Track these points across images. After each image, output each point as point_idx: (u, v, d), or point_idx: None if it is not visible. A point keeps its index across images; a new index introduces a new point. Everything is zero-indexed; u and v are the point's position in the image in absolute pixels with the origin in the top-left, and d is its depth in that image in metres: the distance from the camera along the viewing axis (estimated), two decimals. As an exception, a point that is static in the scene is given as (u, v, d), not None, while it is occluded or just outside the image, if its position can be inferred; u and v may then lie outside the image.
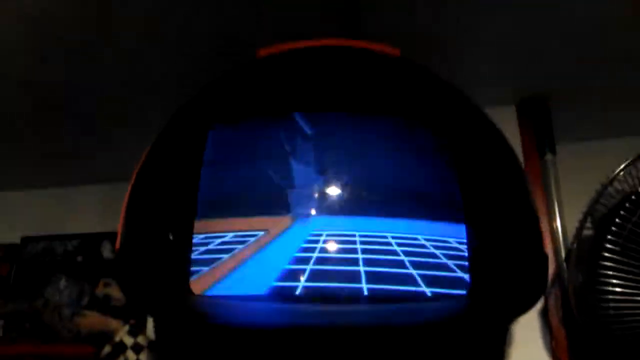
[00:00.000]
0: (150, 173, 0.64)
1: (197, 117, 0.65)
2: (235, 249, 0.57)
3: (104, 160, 1.19)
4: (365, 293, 0.52)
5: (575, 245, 0.77)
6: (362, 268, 0.53)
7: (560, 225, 0.92)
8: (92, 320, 1.04)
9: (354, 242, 0.55)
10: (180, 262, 0.56)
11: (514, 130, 0.97)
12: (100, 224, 1.18)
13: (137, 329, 1.03)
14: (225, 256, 0.56)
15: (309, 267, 0.53)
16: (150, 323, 1.07)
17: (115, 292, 1.08)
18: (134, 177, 0.65)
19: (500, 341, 0.57)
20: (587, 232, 0.76)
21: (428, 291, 0.53)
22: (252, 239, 0.57)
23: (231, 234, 0.58)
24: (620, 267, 0.70)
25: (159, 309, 0.56)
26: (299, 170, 0.60)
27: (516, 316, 0.56)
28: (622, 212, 0.71)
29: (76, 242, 1.16)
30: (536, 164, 0.96)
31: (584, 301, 0.74)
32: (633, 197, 0.71)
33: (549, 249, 0.86)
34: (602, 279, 0.70)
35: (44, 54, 0.87)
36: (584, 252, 0.75)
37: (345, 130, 0.63)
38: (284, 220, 0.58)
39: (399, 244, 0.55)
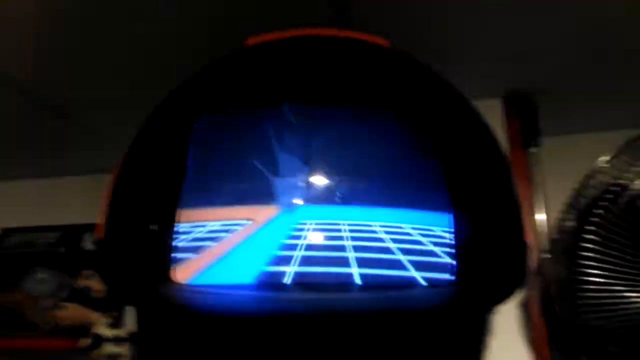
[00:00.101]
0: (135, 162, 0.63)
1: (183, 106, 0.64)
2: (220, 237, 0.56)
3: (86, 152, 1.18)
4: (356, 279, 0.52)
5: (557, 237, 0.78)
6: (350, 254, 0.53)
7: (543, 217, 0.93)
8: (71, 312, 1.02)
9: (341, 230, 0.55)
10: (163, 251, 0.55)
11: (501, 123, 0.98)
12: (82, 215, 1.17)
13: (117, 321, 1.02)
14: (210, 244, 0.56)
15: (297, 254, 0.53)
16: (130, 315, 1.07)
17: (95, 284, 1.06)
18: (118, 165, 0.64)
19: (482, 329, 0.58)
20: (569, 224, 0.77)
21: (418, 276, 0.53)
22: (237, 228, 0.57)
23: (216, 223, 0.58)
24: (600, 257, 0.71)
25: (141, 298, 0.56)
26: (285, 159, 0.60)
27: (499, 302, 0.56)
28: (603, 203, 0.72)
29: (57, 234, 1.14)
30: (522, 157, 0.97)
31: (565, 292, 0.75)
32: (614, 188, 0.72)
33: (530, 237, 0.87)
34: (582, 269, 0.71)
35: (27, 45, 0.85)
36: (566, 243, 0.76)
37: (331, 121, 0.63)
38: (270, 210, 0.58)
39: (386, 232, 0.55)
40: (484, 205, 0.60)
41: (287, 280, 0.52)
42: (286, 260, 0.53)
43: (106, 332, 0.99)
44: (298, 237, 0.54)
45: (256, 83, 0.64)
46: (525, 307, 0.87)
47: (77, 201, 1.21)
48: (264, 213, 0.58)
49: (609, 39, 0.84)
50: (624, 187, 0.73)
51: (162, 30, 0.83)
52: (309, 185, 0.59)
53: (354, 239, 0.54)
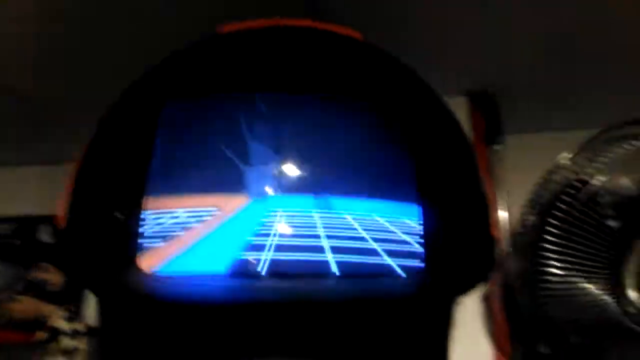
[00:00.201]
0: (99, 147, 0.62)
1: (151, 90, 0.63)
2: (188, 225, 0.55)
3: (42, 142, 1.14)
4: (333, 266, 0.52)
5: (520, 231, 0.80)
6: (325, 242, 0.53)
7: (505, 213, 0.95)
8: (26, 305, 0.99)
9: (313, 219, 0.55)
10: (128, 239, 0.54)
11: (465, 121, 0.99)
12: (38, 207, 1.13)
13: (74, 315, 0.99)
14: (177, 232, 0.55)
15: (270, 243, 0.53)
16: (89, 308, 1.04)
17: (51, 277, 1.03)
18: (82, 151, 0.62)
19: (448, 319, 0.58)
20: (531, 218, 0.79)
21: (392, 263, 0.53)
22: (206, 217, 0.56)
23: (183, 211, 0.57)
24: (561, 250, 0.72)
25: (106, 287, 0.54)
26: (255, 148, 0.59)
27: (465, 292, 0.57)
28: (564, 199, 0.74)
29: (11, 226, 1.10)
30: (484, 154, 0.99)
31: (527, 285, 0.76)
32: (575, 184, 0.74)
33: (497, 231, 0.89)
34: (544, 263, 0.73)
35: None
36: (528, 237, 0.78)
37: (303, 111, 0.63)
38: (239, 199, 0.57)
39: (358, 222, 0.55)
40: (452, 197, 0.60)
41: (261, 268, 0.52)
42: (259, 249, 0.53)
43: (63, 325, 0.96)
44: (270, 226, 0.54)
45: (227, 71, 0.64)
46: (486, 301, 0.89)
47: (32, 192, 1.17)
48: (233, 202, 0.57)
49: (569, 39, 0.86)
50: (585, 183, 0.75)
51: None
52: (280, 175, 0.59)
53: (326, 227, 0.54)
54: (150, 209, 0.56)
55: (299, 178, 0.59)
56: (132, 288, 0.52)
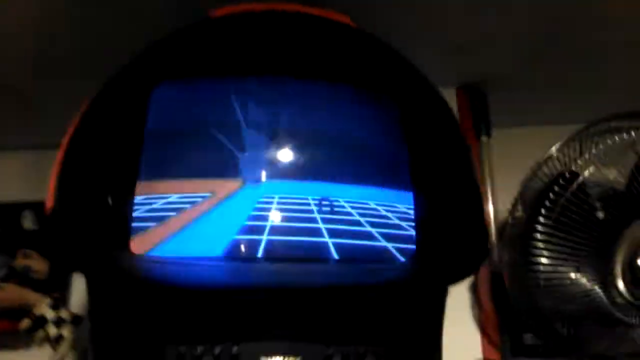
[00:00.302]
0: (88, 130, 0.61)
1: (142, 72, 0.62)
2: (181, 209, 0.55)
3: (26, 127, 1.12)
4: (331, 249, 0.52)
5: (509, 222, 0.80)
6: (322, 226, 0.53)
7: (491, 205, 0.96)
8: (9, 293, 0.97)
9: (309, 204, 0.55)
10: (120, 221, 0.53)
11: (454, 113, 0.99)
12: (21, 192, 1.11)
13: (59, 303, 0.98)
14: (170, 215, 0.54)
15: (267, 226, 0.53)
16: (74, 296, 1.02)
17: (35, 264, 1.01)
18: (70, 132, 0.61)
19: (442, 304, 0.59)
20: (521, 210, 0.80)
21: (389, 246, 0.53)
22: (199, 201, 0.56)
23: (176, 196, 0.56)
24: (551, 241, 0.73)
25: (97, 271, 0.53)
26: (249, 133, 0.59)
27: (457, 280, 0.58)
28: (553, 191, 0.75)
29: (-7, 212, 1.08)
30: (473, 146, 0.99)
31: (517, 276, 0.77)
32: (565, 175, 0.75)
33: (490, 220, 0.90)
34: (534, 254, 0.74)
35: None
36: (518, 229, 0.78)
37: (297, 96, 0.62)
38: (233, 183, 0.57)
39: (352, 207, 0.55)
40: (444, 185, 0.61)
41: (258, 251, 0.51)
42: (255, 232, 0.52)
43: (48, 313, 0.95)
44: (266, 211, 0.54)
45: (220, 54, 0.63)
46: (475, 291, 0.89)
47: (16, 178, 1.14)
48: (227, 187, 0.57)
49: (556, 34, 0.87)
50: (573, 175, 0.76)
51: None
52: (274, 161, 0.58)
53: (322, 212, 0.54)
54: (143, 194, 0.55)
55: (294, 164, 0.58)
56: (125, 271, 0.51)
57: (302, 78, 0.62)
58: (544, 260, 0.73)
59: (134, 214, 0.53)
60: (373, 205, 0.57)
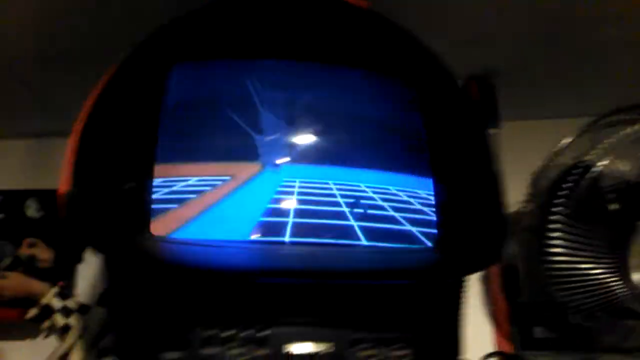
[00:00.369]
0: (104, 112, 0.59)
1: (158, 54, 0.61)
2: (200, 191, 0.54)
3: (30, 115, 1.10)
4: (358, 232, 0.52)
5: (522, 214, 0.80)
6: (346, 209, 0.52)
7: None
8: (15, 282, 0.96)
9: (331, 189, 0.54)
10: (140, 205, 0.52)
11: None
12: (24, 180, 1.10)
13: (65, 292, 0.96)
14: (191, 197, 0.53)
15: (292, 209, 0.52)
16: (79, 285, 1.01)
17: (40, 253, 1.00)
18: (84, 115, 0.60)
19: (462, 294, 0.58)
20: (534, 202, 0.79)
21: (414, 230, 0.53)
22: (218, 184, 0.55)
23: (195, 179, 0.55)
24: (566, 235, 0.73)
25: (119, 254, 0.52)
26: (267, 117, 0.58)
27: (481, 267, 0.57)
28: (567, 183, 0.74)
29: (-3, 199, 1.06)
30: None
31: (530, 269, 0.77)
32: (578, 168, 0.75)
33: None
34: (548, 244, 0.74)
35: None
36: (531, 221, 0.78)
37: (315, 80, 0.62)
38: (252, 167, 0.56)
39: (374, 192, 0.55)
40: (464, 172, 0.60)
41: (286, 234, 0.51)
42: (281, 216, 0.52)
43: (55, 302, 0.93)
44: (289, 194, 0.53)
45: (238, 37, 0.62)
46: (486, 281, 0.89)
47: (20, 165, 1.13)
48: (246, 170, 0.56)
49: (569, 28, 0.86)
50: (587, 167, 0.75)
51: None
52: (293, 145, 0.58)
53: (344, 196, 0.53)
54: (161, 176, 0.54)
55: (313, 148, 0.58)
56: (146, 253, 0.50)
57: (319, 62, 0.62)
58: (558, 251, 0.73)
59: (154, 196, 0.52)
60: (394, 191, 0.56)
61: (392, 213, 0.54)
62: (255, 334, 0.49)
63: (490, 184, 0.61)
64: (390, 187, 0.56)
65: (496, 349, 0.85)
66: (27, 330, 1.00)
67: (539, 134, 1.01)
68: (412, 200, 0.55)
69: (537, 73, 0.99)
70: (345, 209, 0.53)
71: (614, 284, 0.72)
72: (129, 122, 0.58)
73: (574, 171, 0.76)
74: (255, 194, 0.53)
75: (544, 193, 0.79)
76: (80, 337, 0.91)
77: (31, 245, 1.00)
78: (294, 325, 0.50)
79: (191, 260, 0.49)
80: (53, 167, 1.09)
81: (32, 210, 1.06)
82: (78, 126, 0.61)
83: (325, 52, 0.62)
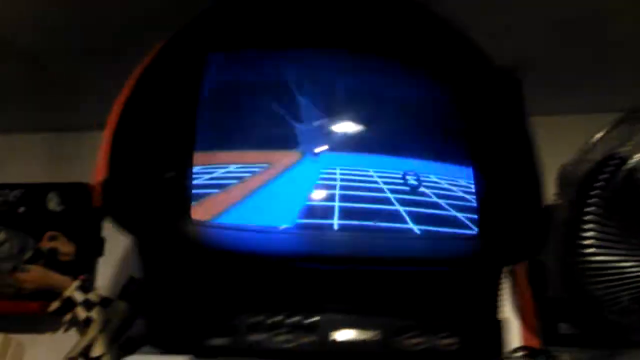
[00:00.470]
0: (141, 100, 0.59)
1: (195, 42, 0.61)
2: (241, 178, 0.53)
3: (52, 109, 1.10)
4: (406, 218, 0.51)
5: (554, 209, 0.79)
6: (391, 195, 0.52)
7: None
8: (36, 275, 0.95)
9: (372, 176, 0.54)
10: (180, 191, 0.52)
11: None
12: (46, 174, 1.09)
13: (88, 285, 0.96)
14: (232, 183, 0.53)
15: (336, 194, 0.52)
16: (99, 278, 1.01)
17: (62, 246, 0.99)
18: (120, 103, 0.60)
19: (501, 284, 0.58)
20: (566, 196, 0.78)
21: (460, 215, 0.53)
22: (257, 171, 0.54)
23: (235, 166, 0.55)
24: (601, 225, 0.72)
25: (160, 240, 0.52)
26: (306, 106, 0.58)
27: (524, 257, 0.56)
28: (603, 175, 0.74)
29: (18, 192, 1.06)
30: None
31: (563, 263, 0.76)
32: (613, 161, 0.74)
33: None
34: (584, 236, 0.73)
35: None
36: (564, 216, 0.77)
37: (353, 69, 0.61)
38: (291, 155, 0.56)
39: (416, 180, 0.54)
40: (504, 162, 0.60)
41: (333, 221, 0.50)
42: (328, 201, 0.51)
43: (77, 295, 0.93)
44: (332, 180, 0.53)
45: (273, 24, 0.62)
46: (513, 275, 0.88)
47: (40, 159, 1.13)
48: (285, 158, 0.56)
49: (600, 24, 0.86)
50: (622, 160, 0.75)
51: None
52: (332, 133, 0.57)
53: (387, 183, 0.53)
54: (201, 163, 0.54)
55: (353, 136, 0.57)
56: (188, 238, 0.50)
57: (356, 50, 0.61)
58: (593, 243, 0.72)
59: (194, 182, 0.52)
60: (435, 179, 0.56)
61: (435, 199, 0.53)
62: (302, 320, 0.48)
63: (531, 174, 0.60)
64: (431, 175, 0.56)
65: (523, 345, 0.85)
66: (47, 323, 0.99)
67: (560, 129, 1.01)
68: (453, 187, 0.55)
69: (559, 67, 0.98)
70: (390, 195, 0.52)
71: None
72: (166, 108, 0.57)
73: (608, 164, 0.75)
74: (297, 182, 0.53)
75: (576, 188, 0.78)
76: (102, 330, 0.91)
77: (52, 239, 1.00)
78: (341, 312, 0.49)
79: (237, 246, 0.49)
80: (75, 161, 1.10)
81: (53, 203, 1.05)
82: (114, 115, 0.60)
83: (361, 40, 0.62)
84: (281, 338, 0.48)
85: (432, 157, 0.57)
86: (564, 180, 0.81)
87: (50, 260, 0.98)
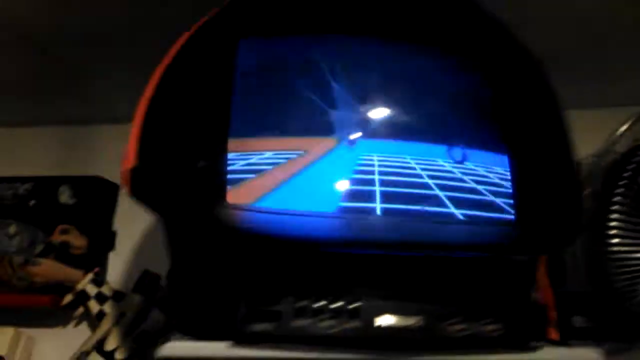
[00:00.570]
0: (173, 87, 0.58)
1: (228, 28, 0.60)
2: (277, 164, 0.53)
3: (64, 101, 1.08)
4: (447, 202, 0.51)
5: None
6: (430, 181, 0.51)
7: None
8: (47, 269, 0.94)
9: (409, 163, 0.53)
10: (216, 177, 0.51)
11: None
12: (57, 167, 1.08)
13: (100, 278, 0.95)
14: (268, 169, 0.52)
15: (376, 179, 0.51)
16: (111, 272, 1.00)
17: (74, 240, 0.98)
18: (151, 89, 0.58)
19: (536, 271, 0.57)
20: (592, 189, 0.78)
21: (498, 201, 0.53)
22: (293, 157, 0.54)
23: (270, 153, 0.54)
24: (626, 220, 0.72)
25: (197, 224, 0.50)
26: (340, 93, 0.57)
27: (559, 246, 0.56)
28: (631, 167, 0.73)
29: (29, 186, 1.04)
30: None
31: (588, 255, 0.76)
32: (638, 153, 0.74)
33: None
34: (610, 226, 0.72)
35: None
36: (589, 207, 0.77)
37: (387, 57, 0.61)
38: (327, 142, 0.55)
39: (453, 167, 0.54)
40: (538, 151, 0.59)
41: (376, 206, 0.49)
42: (369, 185, 0.51)
43: (90, 288, 0.92)
44: (370, 166, 0.52)
45: (305, 10, 0.61)
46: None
47: (51, 152, 1.11)
48: (321, 145, 0.55)
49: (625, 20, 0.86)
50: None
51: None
52: (368, 120, 0.57)
53: (424, 169, 0.53)
54: (235, 150, 0.53)
55: (389, 124, 0.57)
56: (225, 221, 0.49)
57: (391, 38, 0.61)
58: (618, 233, 0.72)
59: (230, 167, 0.51)
60: (471, 166, 0.55)
61: (473, 185, 0.53)
62: (346, 306, 0.48)
63: (567, 163, 0.60)
64: (468, 162, 0.55)
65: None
66: (58, 317, 0.99)
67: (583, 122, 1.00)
68: (489, 174, 0.55)
69: (600, 61, 0.98)
70: (430, 181, 0.51)
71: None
72: (199, 95, 0.56)
73: (635, 155, 0.75)
74: (334, 168, 0.52)
75: (601, 179, 0.78)
76: (116, 323, 0.89)
77: (64, 232, 0.98)
78: (384, 298, 0.49)
79: (276, 230, 0.48)
80: (87, 154, 1.09)
81: (65, 196, 1.04)
82: (143, 102, 0.59)
83: (397, 27, 0.61)
84: (325, 324, 0.47)
85: (467, 144, 0.57)
86: (589, 171, 0.81)
87: (62, 253, 0.96)
